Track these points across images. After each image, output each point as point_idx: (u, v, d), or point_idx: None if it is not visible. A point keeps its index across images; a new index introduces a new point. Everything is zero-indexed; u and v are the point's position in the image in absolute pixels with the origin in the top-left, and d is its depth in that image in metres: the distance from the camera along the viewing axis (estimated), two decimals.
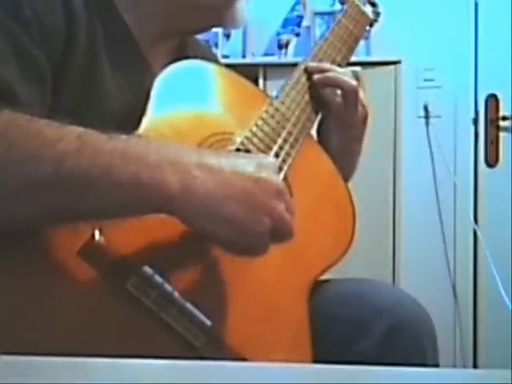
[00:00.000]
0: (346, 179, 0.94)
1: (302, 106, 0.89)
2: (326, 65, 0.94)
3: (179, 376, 0.46)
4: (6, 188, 0.59)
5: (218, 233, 0.63)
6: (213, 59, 0.96)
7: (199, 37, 1.03)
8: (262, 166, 0.66)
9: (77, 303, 0.64)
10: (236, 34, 2.70)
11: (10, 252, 0.62)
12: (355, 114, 0.93)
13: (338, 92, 0.92)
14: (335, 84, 0.92)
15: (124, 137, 0.63)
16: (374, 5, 1.05)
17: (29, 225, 0.63)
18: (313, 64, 0.93)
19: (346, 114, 0.92)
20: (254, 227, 0.63)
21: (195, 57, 0.89)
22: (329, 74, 0.92)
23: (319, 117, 0.94)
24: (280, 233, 0.65)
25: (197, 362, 0.49)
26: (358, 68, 0.93)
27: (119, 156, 0.61)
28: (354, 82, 0.91)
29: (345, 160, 0.95)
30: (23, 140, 0.60)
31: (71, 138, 0.60)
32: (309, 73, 0.93)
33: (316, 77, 0.92)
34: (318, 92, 0.93)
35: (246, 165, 0.65)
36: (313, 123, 0.91)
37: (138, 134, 0.73)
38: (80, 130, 0.62)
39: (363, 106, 0.94)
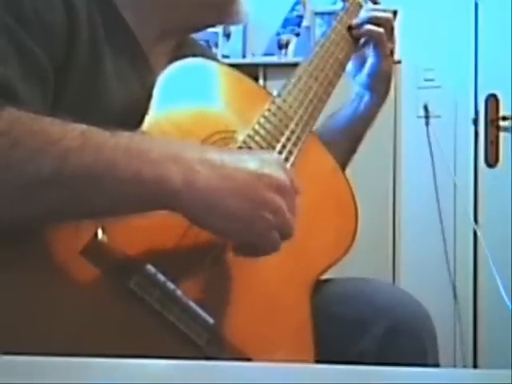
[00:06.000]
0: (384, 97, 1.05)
1: (305, 104, 0.89)
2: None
3: (180, 376, 0.46)
4: (9, 185, 0.59)
5: (220, 227, 0.63)
6: (212, 59, 0.96)
7: (199, 37, 1.03)
8: (265, 162, 0.66)
9: (79, 302, 0.64)
10: (236, 33, 2.69)
11: (13, 250, 0.61)
12: (393, 42, 1.01)
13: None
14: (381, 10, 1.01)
15: (127, 133, 0.63)
16: (375, 2, 1.05)
17: (32, 222, 0.63)
18: None
19: (388, 41, 1.00)
20: (256, 222, 0.63)
21: (195, 55, 0.89)
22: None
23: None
24: (282, 230, 0.65)
25: (198, 362, 0.49)
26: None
27: (122, 152, 0.61)
28: (389, 14, 1.01)
29: (389, 83, 1.04)
30: (27, 137, 0.60)
31: (74, 135, 0.61)
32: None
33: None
34: (364, 29, 0.99)
35: (249, 161, 0.66)
36: (315, 121, 0.91)
37: (141, 131, 0.73)
38: (83, 127, 0.62)
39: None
